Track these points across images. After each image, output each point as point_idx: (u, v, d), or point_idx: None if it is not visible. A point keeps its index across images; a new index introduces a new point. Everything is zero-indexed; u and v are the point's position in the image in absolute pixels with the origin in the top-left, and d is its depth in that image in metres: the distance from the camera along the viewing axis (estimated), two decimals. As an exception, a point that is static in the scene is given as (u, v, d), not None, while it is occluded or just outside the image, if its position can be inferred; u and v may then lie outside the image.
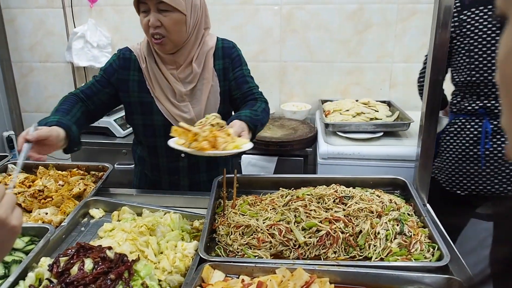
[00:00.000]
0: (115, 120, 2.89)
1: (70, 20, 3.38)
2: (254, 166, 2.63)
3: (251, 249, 1.33)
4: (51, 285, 1.11)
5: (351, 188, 1.52)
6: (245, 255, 1.31)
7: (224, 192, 1.63)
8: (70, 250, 1.20)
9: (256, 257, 1.29)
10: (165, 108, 1.78)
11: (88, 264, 1.13)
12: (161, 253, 1.35)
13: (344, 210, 1.38)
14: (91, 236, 1.51)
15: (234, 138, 1.45)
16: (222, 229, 1.42)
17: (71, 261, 1.16)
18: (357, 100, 2.92)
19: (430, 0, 2.97)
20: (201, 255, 1.26)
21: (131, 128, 2.91)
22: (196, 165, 1.91)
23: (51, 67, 3.57)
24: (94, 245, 1.23)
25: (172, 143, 1.45)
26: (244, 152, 1.66)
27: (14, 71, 3.62)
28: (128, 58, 1.82)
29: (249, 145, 1.47)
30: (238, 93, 1.85)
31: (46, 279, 1.14)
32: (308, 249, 1.30)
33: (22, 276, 1.19)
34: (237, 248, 1.34)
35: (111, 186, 1.89)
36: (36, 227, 1.44)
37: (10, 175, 1.93)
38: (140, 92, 1.80)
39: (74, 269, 1.13)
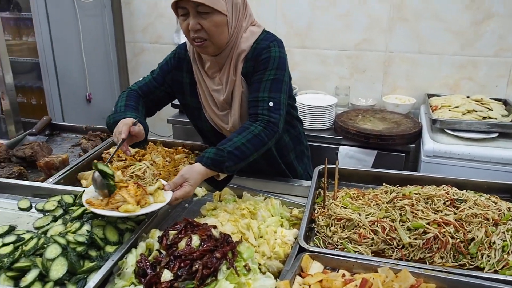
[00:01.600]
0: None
1: (180, 4, 3.54)
2: (351, 158, 2.57)
3: (351, 243, 1.30)
4: (161, 256, 1.18)
5: (464, 191, 1.41)
6: (345, 249, 1.29)
7: (325, 182, 1.61)
8: (178, 225, 1.27)
9: (357, 253, 1.26)
10: (210, 117, 1.75)
11: (195, 240, 1.18)
12: (261, 237, 1.37)
13: (455, 214, 1.29)
14: (194, 213, 1.58)
15: (157, 193, 1.36)
16: (322, 220, 1.41)
17: (179, 236, 1.22)
18: (468, 97, 2.72)
19: None
20: (301, 244, 1.27)
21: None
22: (271, 155, 1.82)
23: (160, 48, 3.78)
24: (200, 223, 1.29)
25: (84, 199, 1.34)
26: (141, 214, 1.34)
27: (127, 51, 3.89)
28: (183, 58, 1.77)
29: (155, 207, 1.31)
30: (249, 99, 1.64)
31: (156, 250, 1.21)
32: (413, 251, 1.24)
33: (135, 244, 1.28)
34: (337, 241, 1.32)
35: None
36: (147, 199, 1.53)
37: (123, 148, 2.08)
38: (191, 96, 1.77)
39: (182, 244, 1.19)
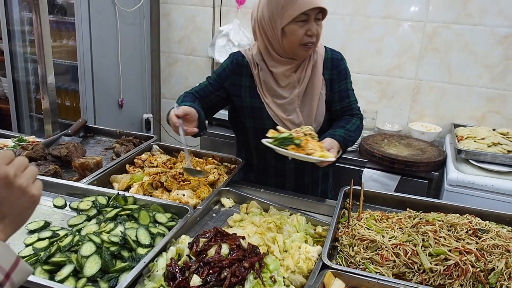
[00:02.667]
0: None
1: (217, 18, 3.66)
2: (375, 181, 2.60)
3: (373, 264, 1.34)
4: (190, 262, 1.24)
5: (486, 221, 1.44)
6: (367, 269, 1.32)
7: (350, 203, 1.65)
8: (208, 233, 1.33)
9: (378, 274, 1.30)
10: (274, 114, 1.87)
11: (225, 249, 1.24)
12: (285, 251, 1.42)
13: (477, 243, 1.32)
14: (221, 223, 1.64)
15: (322, 149, 1.57)
16: (346, 239, 1.45)
17: (209, 243, 1.28)
18: (494, 129, 2.72)
19: None
20: (324, 261, 1.31)
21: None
22: (302, 168, 1.97)
23: (193, 60, 3.89)
24: (229, 233, 1.34)
25: (264, 140, 1.60)
26: (329, 166, 1.85)
27: (161, 60, 4.02)
28: (241, 64, 1.91)
29: (332, 159, 1.55)
30: (338, 106, 1.91)
31: (186, 255, 1.27)
32: (433, 276, 1.27)
33: (164, 248, 1.34)
34: (359, 261, 1.36)
35: (239, 179, 2.03)
36: (177, 206, 1.60)
37: (154, 155, 2.16)
38: (251, 97, 1.90)
39: (211, 251, 1.25)
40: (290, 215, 1.64)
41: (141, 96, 3.89)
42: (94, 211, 1.55)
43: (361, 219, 1.54)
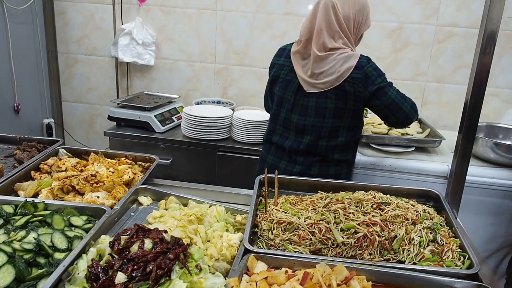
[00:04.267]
0: (155, 116, 3.02)
1: (118, 16, 3.55)
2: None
3: (291, 245, 1.42)
4: (113, 260, 1.22)
5: (388, 195, 1.61)
6: (286, 250, 1.40)
7: (266, 190, 1.73)
8: (129, 231, 1.31)
9: (297, 252, 1.38)
10: None
11: (148, 244, 1.24)
12: (208, 241, 1.45)
13: (381, 215, 1.46)
14: (140, 221, 1.62)
15: None
16: (264, 224, 1.52)
17: (131, 240, 1.27)
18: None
19: (468, 25, 3.06)
20: (246, 246, 1.37)
21: (170, 124, 3.06)
22: None
23: (95, 60, 3.73)
24: (151, 228, 1.34)
25: None
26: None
27: (59, 62, 3.80)
28: None
29: None
30: None
31: (108, 254, 1.25)
32: (345, 249, 1.39)
33: (84, 250, 1.30)
34: (279, 243, 1.44)
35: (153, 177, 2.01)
36: (93, 208, 1.56)
37: (61, 159, 2.06)
38: None
39: (134, 248, 1.24)
40: (209, 206, 1.67)
41: (40, 100, 3.64)
42: (0, 221, 1.45)
43: (278, 204, 1.62)
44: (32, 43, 3.47)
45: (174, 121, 3.15)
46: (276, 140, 2.13)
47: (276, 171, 1.85)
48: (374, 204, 1.51)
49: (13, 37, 3.20)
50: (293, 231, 1.46)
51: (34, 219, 1.43)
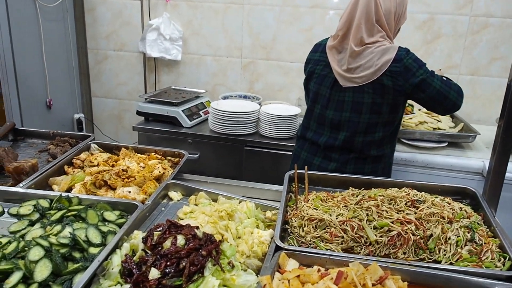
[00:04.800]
0: (183, 111, 3.03)
1: (146, 12, 3.58)
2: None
3: (323, 242, 1.40)
4: (146, 256, 1.23)
5: (422, 192, 1.57)
6: (317, 247, 1.39)
7: (296, 186, 1.71)
8: (161, 226, 1.32)
9: (328, 250, 1.36)
10: None
11: (180, 240, 1.24)
12: (239, 237, 1.45)
13: (415, 213, 1.43)
14: (171, 216, 1.63)
15: None
16: (295, 221, 1.51)
17: (164, 236, 1.27)
18: (420, 109, 2.93)
19: (504, 14, 2.95)
20: (277, 243, 1.35)
21: (197, 119, 3.07)
22: None
23: (124, 55, 3.78)
24: (183, 224, 1.35)
25: None
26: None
27: (89, 58, 3.86)
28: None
29: None
30: None
31: (142, 250, 1.26)
32: (379, 248, 1.36)
33: (117, 246, 1.32)
34: (310, 240, 1.42)
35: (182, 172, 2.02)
36: (125, 203, 1.58)
37: (93, 154, 2.09)
38: None
39: (167, 244, 1.24)
40: (239, 202, 1.67)
41: (71, 96, 3.71)
42: (36, 215, 1.48)
43: (308, 200, 1.61)
44: (63, 40, 3.53)
45: (201, 116, 3.16)
46: (311, 136, 2.11)
47: (306, 167, 1.83)
48: (408, 201, 1.48)
49: (45, 35, 3.26)
50: (324, 228, 1.44)
51: (69, 213, 1.45)
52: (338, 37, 1.95)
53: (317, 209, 1.52)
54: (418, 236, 1.35)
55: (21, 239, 1.33)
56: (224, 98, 3.38)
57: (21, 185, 1.72)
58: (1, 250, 1.27)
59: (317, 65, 2.05)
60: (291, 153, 2.78)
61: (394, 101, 1.90)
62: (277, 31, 3.38)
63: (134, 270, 1.19)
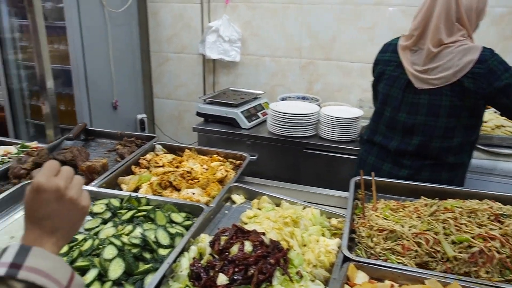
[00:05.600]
0: (241, 112, 3.04)
1: (206, 15, 3.62)
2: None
3: (394, 255, 1.34)
4: (214, 260, 1.22)
5: (508, 206, 1.45)
6: (388, 260, 1.32)
7: (363, 194, 1.65)
8: (228, 231, 1.31)
9: (400, 264, 1.30)
10: None
11: (248, 246, 1.23)
12: (304, 245, 1.41)
13: (500, 228, 1.32)
14: (235, 220, 1.62)
15: None
16: (363, 230, 1.45)
17: (231, 241, 1.26)
18: (495, 112, 2.75)
19: None
20: (345, 254, 1.30)
21: (256, 120, 3.06)
22: None
23: (184, 58, 3.85)
24: (249, 229, 1.33)
25: None
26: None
27: (151, 60, 3.97)
28: None
29: None
30: None
31: (209, 254, 1.26)
32: (457, 265, 1.27)
33: (185, 248, 1.32)
34: (379, 252, 1.35)
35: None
36: (191, 205, 1.59)
37: (158, 154, 2.13)
38: None
39: (234, 249, 1.23)
40: (303, 208, 1.63)
41: (135, 97, 3.84)
42: (108, 214, 1.53)
43: (377, 209, 1.54)
44: (129, 44, 3.66)
45: (259, 117, 3.15)
46: (379, 141, 2.02)
47: (373, 173, 1.75)
48: (491, 215, 1.37)
49: (113, 39, 3.39)
50: (395, 240, 1.37)
51: (139, 214, 1.48)
52: (412, 37, 1.85)
53: (387, 219, 1.45)
54: (504, 255, 1.25)
55: (95, 236, 1.37)
56: (283, 99, 3.35)
57: (93, 183, 1.78)
58: (78, 247, 1.32)
59: (387, 66, 1.96)
60: (351, 156, 2.73)
61: (475, 105, 1.78)
62: (337, 31, 3.31)
63: (202, 274, 1.19)
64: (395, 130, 1.95)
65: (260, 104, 3.27)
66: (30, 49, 3.49)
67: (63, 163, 1.99)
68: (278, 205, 1.69)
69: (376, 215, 1.48)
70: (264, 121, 3.10)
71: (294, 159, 2.88)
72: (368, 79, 3.22)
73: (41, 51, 2.16)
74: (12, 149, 2.20)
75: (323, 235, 1.48)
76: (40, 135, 3.62)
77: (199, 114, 3.18)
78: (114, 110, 3.55)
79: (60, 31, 3.22)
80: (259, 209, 1.67)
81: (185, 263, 1.24)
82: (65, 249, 1.31)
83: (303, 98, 3.40)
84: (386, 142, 1.98)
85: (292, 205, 1.65)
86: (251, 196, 1.77)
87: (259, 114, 3.17)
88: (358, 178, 1.74)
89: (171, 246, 1.34)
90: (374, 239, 1.40)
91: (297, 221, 1.50)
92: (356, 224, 1.49)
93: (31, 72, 3.60)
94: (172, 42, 3.85)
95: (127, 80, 3.71)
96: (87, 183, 1.81)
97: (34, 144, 2.27)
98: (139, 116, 3.88)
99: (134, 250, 1.27)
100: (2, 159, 2.09)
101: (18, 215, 1.59)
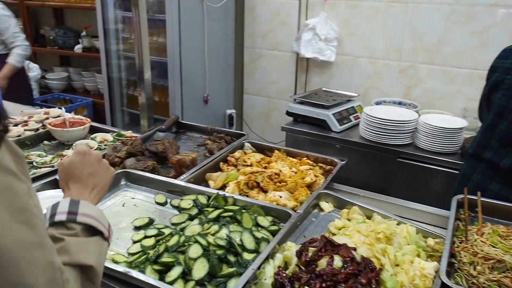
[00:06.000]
0: (333, 114, 2.94)
1: (303, 11, 3.56)
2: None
3: (500, 288, 1.19)
4: (300, 272, 1.17)
5: None
6: (494, 293, 1.18)
7: (466, 215, 1.50)
8: (317, 242, 1.25)
9: (509, 300, 1.15)
10: None
11: (337, 261, 1.16)
12: (397, 265, 1.31)
13: None
14: (322, 229, 1.56)
15: None
16: (465, 256, 1.30)
17: (319, 254, 1.20)
18: None
19: None
20: (443, 280, 1.18)
21: (347, 124, 2.95)
22: None
23: (277, 55, 3.83)
24: (339, 243, 1.26)
25: None
26: None
27: (244, 56, 4.00)
28: None
29: None
30: None
31: (296, 265, 1.21)
32: None
33: (270, 255, 1.28)
34: (484, 283, 1.21)
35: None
36: (278, 209, 1.55)
37: (246, 153, 2.12)
38: None
39: (322, 262, 1.17)
40: (397, 224, 1.52)
41: (225, 92, 3.90)
42: (195, 210, 1.54)
43: (483, 234, 1.38)
44: (224, 39, 3.71)
45: (351, 121, 3.03)
46: (489, 157, 1.82)
47: (479, 192, 1.58)
48: None
49: (209, 33, 3.46)
50: (504, 272, 1.22)
51: (225, 214, 1.47)
52: None
53: (494, 247, 1.30)
54: None
55: (181, 232, 1.39)
56: (377, 103, 3.19)
57: (182, 177, 1.81)
58: (164, 241, 1.34)
59: (507, 74, 1.76)
60: (449, 170, 2.52)
61: None
62: (444, 33, 3.07)
63: (286, 285, 1.14)
64: (511, 147, 1.74)
65: (353, 107, 3.14)
66: (131, 40, 3.69)
67: (155, 154, 2.07)
68: (369, 217, 1.59)
69: (482, 241, 1.33)
70: (356, 125, 2.98)
71: (386, 167, 2.73)
72: (475, 87, 2.98)
73: (142, 43, 2.25)
74: (109, 137, 2.33)
75: (418, 256, 1.36)
76: (134, 123, 3.82)
77: (288, 113, 3.13)
78: (205, 104, 3.63)
79: (160, 24, 3.35)
80: (349, 219, 1.59)
81: (269, 271, 1.20)
82: (151, 242, 1.34)
83: (400, 104, 3.21)
84: (498, 159, 1.77)
85: (385, 219, 1.55)
86: (340, 204, 1.69)
87: (351, 117, 3.05)
88: (461, 196, 1.59)
89: (256, 251, 1.30)
90: (478, 267, 1.25)
91: (391, 238, 1.40)
92: (457, 248, 1.35)
93: (130, 63, 3.80)
94: (266, 38, 3.84)
95: (219, 74, 3.77)
96: (175, 176, 1.85)
97: (129, 133, 2.38)
98: (228, 111, 3.94)
99: (219, 252, 1.26)
100: (99, 146, 2.22)
101: (110, 203, 1.66)
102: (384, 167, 2.74)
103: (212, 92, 3.68)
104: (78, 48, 4.64)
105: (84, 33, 4.63)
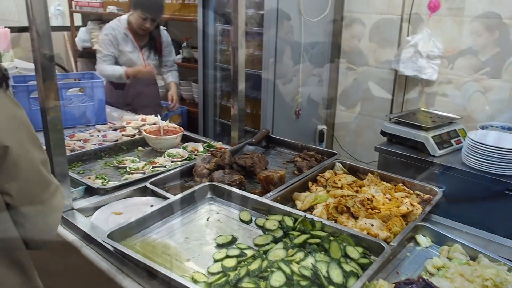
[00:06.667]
0: (432, 137, 2.73)
1: (405, 28, 3.38)
2: None
3: None
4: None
5: None
6: None
7: None
8: (414, 284, 1.13)
9: None
10: None
11: (437, 309, 1.03)
12: (508, 321, 1.13)
13: None
14: (417, 266, 1.41)
15: None
16: None
17: (416, 297, 1.08)
18: None
19: None
20: None
21: (448, 148, 2.72)
22: None
23: (374, 72, 3.68)
24: (440, 286, 1.12)
25: None
26: None
27: (339, 71, 3.90)
28: None
29: None
30: None
31: (389, 306, 1.10)
32: None
33: (359, 290, 1.18)
34: None
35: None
36: (370, 240, 1.43)
37: (336, 173, 2.03)
38: None
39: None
40: (507, 270, 1.33)
41: (317, 107, 3.83)
42: (280, 233, 1.48)
43: None
44: (320, 53, 3.67)
45: (452, 145, 2.79)
46: None
47: None
48: None
49: (304, 47, 3.43)
50: None
51: (312, 240, 1.39)
52: None
53: None
54: None
55: (264, 255, 1.33)
56: (483, 127, 2.91)
57: (268, 195, 1.77)
58: (246, 263, 1.29)
59: None
60: None
61: None
62: None
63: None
64: None
65: (455, 130, 2.89)
66: (228, 52, 3.78)
67: (243, 168, 2.05)
68: (473, 258, 1.42)
69: None
70: (458, 150, 2.73)
71: (491, 200, 2.46)
72: None
73: (238, 55, 2.27)
74: (199, 147, 2.37)
75: (535, 313, 1.18)
76: (224, 133, 3.89)
77: (383, 133, 2.97)
78: (296, 118, 3.59)
79: (257, 37, 3.39)
80: (449, 258, 1.43)
81: (358, 310, 1.10)
82: (233, 263, 1.30)
83: (509, 129, 2.89)
84: None
85: (493, 263, 1.36)
86: (439, 240, 1.53)
87: (452, 141, 2.81)
88: None
89: (343, 286, 1.21)
90: None
91: (500, 287, 1.22)
92: None
93: (225, 74, 3.89)
94: (363, 55, 3.71)
95: (313, 89, 3.71)
96: (262, 193, 1.80)
97: (219, 144, 2.41)
98: (319, 127, 3.86)
99: (303, 283, 1.18)
100: (189, 155, 2.26)
101: (195, 216, 1.66)
102: (489, 200, 2.47)
103: (304, 107, 3.63)
104: (178, 58, 4.87)
105: (185, 44, 4.84)
